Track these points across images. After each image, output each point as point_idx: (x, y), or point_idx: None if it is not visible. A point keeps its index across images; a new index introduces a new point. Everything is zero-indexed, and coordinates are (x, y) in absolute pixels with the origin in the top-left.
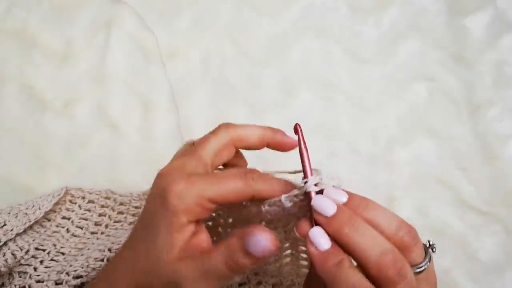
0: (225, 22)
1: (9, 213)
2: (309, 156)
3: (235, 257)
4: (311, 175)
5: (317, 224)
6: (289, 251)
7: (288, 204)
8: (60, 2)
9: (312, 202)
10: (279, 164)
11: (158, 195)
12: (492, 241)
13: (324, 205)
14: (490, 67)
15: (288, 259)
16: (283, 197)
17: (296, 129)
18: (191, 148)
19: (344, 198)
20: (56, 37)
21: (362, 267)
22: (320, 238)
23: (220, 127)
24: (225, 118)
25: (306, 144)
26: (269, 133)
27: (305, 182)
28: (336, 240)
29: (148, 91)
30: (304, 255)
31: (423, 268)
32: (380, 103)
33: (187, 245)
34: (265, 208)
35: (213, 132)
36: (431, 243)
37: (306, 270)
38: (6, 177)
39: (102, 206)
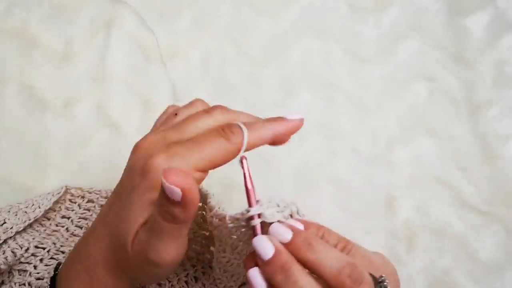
0: (225, 22)
1: (9, 211)
2: (254, 188)
3: (165, 208)
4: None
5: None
6: None
7: (230, 224)
8: (60, 2)
9: (253, 242)
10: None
11: (138, 170)
12: (492, 241)
13: (262, 248)
14: (490, 67)
15: None
16: (228, 215)
17: (241, 162)
18: (174, 119)
19: (288, 236)
20: (56, 37)
21: None
22: (256, 280)
23: (215, 108)
24: None
25: (251, 176)
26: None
27: (248, 211)
28: (270, 284)
29: (148, 91)
30: None
31: None
32: (380, 103)
33: None
34: (214, 220)
35: (207, 111)
36: (383, 279)
37: None
38: (6, 177)
39: (102, 206)
